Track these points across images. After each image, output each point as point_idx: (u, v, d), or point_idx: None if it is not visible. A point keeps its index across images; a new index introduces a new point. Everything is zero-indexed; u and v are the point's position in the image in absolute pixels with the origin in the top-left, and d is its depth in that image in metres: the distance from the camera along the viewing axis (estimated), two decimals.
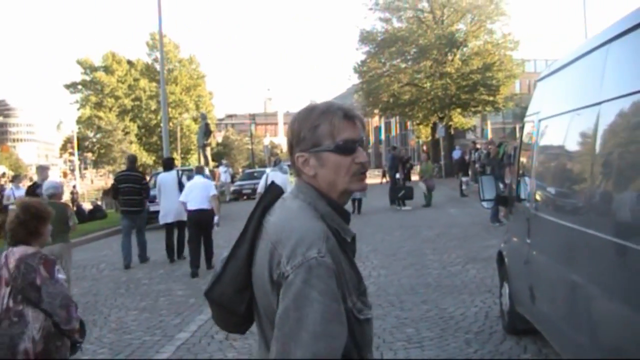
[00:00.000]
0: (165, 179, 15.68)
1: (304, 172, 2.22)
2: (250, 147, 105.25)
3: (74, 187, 53.62)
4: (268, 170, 18.67)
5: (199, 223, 13.62)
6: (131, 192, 14.99)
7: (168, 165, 16.71)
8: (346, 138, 2.17)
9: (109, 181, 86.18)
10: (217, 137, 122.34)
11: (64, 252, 9.20)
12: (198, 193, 13.64)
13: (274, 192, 2.33)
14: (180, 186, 14.95)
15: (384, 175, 60.77)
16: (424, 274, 11.50)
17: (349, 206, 14.97)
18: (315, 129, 2.17)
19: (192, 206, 13.59)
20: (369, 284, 10.68)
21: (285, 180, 14.81)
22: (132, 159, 16.47)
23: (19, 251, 4.66)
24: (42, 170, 16.46)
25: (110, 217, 29.28)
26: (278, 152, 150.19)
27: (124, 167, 69.53)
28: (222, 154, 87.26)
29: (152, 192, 16.79)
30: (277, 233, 2.11)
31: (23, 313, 4.44)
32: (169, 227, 15.32)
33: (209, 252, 13.73)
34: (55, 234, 6.23)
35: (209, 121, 35.67)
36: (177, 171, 16.62)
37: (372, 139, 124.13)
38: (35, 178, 17.79)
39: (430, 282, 10.71)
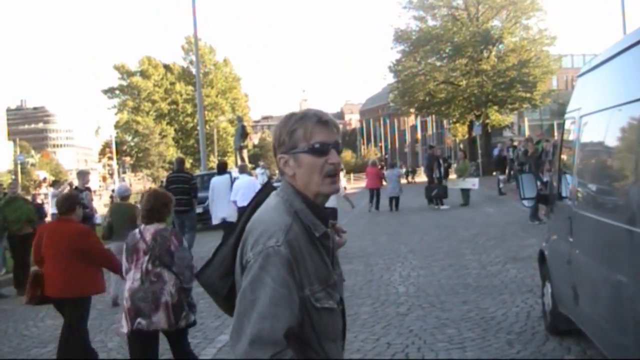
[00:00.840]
0: (219, 182, 16.55)
1: (285, 172, 2.44)
2: None
3: (113, 190, 54.08)
4: None
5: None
6: (180, 192, 15.39)
7: (222, 168, 17.59)
8: (319, 141, 2.38)
9: (147, 184, 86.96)
10: (254, 139, 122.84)
11: None
12: (245, 191, 14.78)
13: (267, 189, 2.58)
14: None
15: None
16: (463, 274, 11.39)
17: (385, 204, 15.13)
18: (293, 133, 2.39)
19: (241, 203, 14.69)
20: (408, 285, 10.63)
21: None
22: (180, 161, 17.27)
23: (152, 227, 5.98)
24: (83, 175, 16.63)
25: None
26: None
27: (161, 170, 70.07)
28: (258, 156, 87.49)
29: (204, 194, 17.00)
30: (251, 225, 2.38)
31: (161, 274, 5.75)
32: (224, 226, 16.10)
33: None
34: (126, 230, 7.40)
35: (245, 123, 35.71)
36: (230, 174, 17.52)
37: (408, 138, 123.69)
38: (76, 183, 17.96)
39: (469, 283, 10.60)
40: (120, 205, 11.76)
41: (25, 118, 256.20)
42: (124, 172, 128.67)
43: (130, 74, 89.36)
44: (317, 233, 2.35)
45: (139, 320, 5.69)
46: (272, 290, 2.15)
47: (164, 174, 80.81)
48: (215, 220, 16.40)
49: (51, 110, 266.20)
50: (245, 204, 12.16)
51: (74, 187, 16.55)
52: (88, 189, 15.67)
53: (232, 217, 15.39)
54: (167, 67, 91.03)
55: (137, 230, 6.07)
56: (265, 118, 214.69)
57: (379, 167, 30.75)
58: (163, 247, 5.82)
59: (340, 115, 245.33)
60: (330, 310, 2.35)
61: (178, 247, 5.87)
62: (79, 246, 7.04)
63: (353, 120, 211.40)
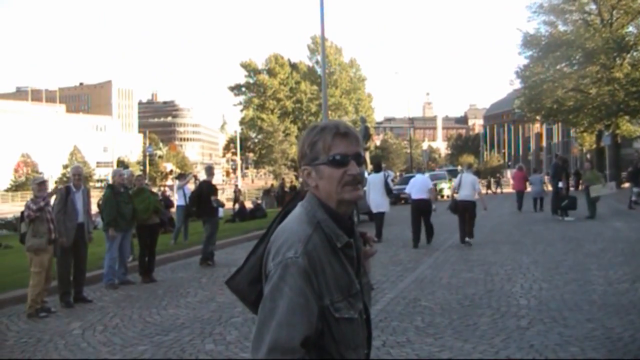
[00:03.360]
0: (375, 178, 19.87)
1: (308, 183, 2.49)
2: (408, 151, 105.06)
3: (236, 185, 55.32)
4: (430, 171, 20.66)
5: (419, 208, 18.12)
6: None
7: (378, 167, 21.32)
8: (338, 152, 2.40)
9: (269, 181, 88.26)
10: (376, 140, 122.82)
11: None
12: (419, 186, 18.22)
13: (297, 199, 2.59)
14: (386, 185, 19.77)
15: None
16: (588, 290, 10.96)
17: (528, 205, 15.28)
18: (314, 145, 2.44)
19: (415, 196, 18.29)
20: (530, 297, 10.34)
21: (475, 180, 18.36)
22: None
23: None
24: (210, 169, 17.44)
25: (271, 216, 29.45)
26: (436, 156, 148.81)
27: (283, 167, 71.21)
28: (380, 157, 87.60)
29: None
30: (275, 235, 2.42)
31: None
32: (378, 215, 19.90)
33: (429, 232, 18.17)
34: None
35: (368, 124, 35.82)
36: (384, 173, 20.72)
37: (532, 145, 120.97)
38: (201, 177, 18.57)
39: (594, 300, 10.19)
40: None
41: (156, 112, 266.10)
42: (247, 168, 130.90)
43: (257, 72, 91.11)
44: (339, 243, 2.39)
45: None
46: (289, 299, 2.21)
47: (286, 172, 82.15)
48: (374, 210, 19.96)
49: (180, 105, 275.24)
50: (417, 197, 18.44)
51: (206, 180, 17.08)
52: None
53: (386, 208, 19.91)
54: (293, 66, 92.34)
55: None
56: (388, 120, 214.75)
57: (524, 171, 33.52)
58: None
59: (464, 119, 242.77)
60: (349, 320, 2.37)
61: None
62: None
63: (477, 125, 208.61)
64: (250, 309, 2.61)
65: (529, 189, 31.43)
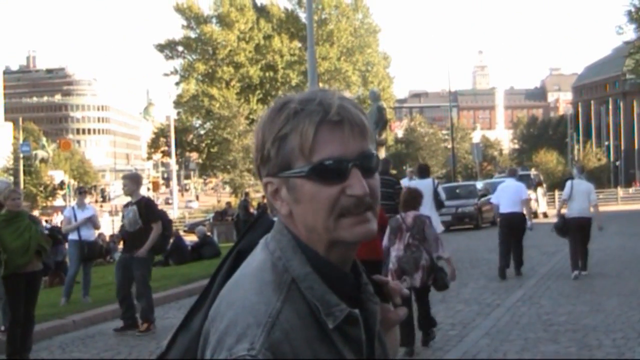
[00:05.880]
0: (421, 187, 19.54)
1: (275, 207, 2.19)
2: (449, 145, 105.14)
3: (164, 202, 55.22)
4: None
5: (510, 225, 21.16)
6: (384, 197, 16.60)
7: (424, 171, 23.09)
8: (329, 156, 2.07)
9: (225, 197, 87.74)
10: (396, 129, 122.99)
11: None
12: (510, 196, 21.24)
13: (260, 228, 2.34)
14: (436, 195, 21.38)
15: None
16: None
17: None
18: (282, 140, 2.11)
19: (503, 209, 21.43)
20: None
21: (590, 188, 20.66)
22: (386, 162, 21.28)
23: (411, 213, 12.91)
24: (132, 181, 16.54)
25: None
26: (495, 153, 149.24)
27: (247, 175, 71.50)
28: (403, 156, 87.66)
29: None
30: (217, 306, 2.12)
31: (419, 246, 12.45)
32: None
33: (518, 258, 21.06)
34: None
35: (383, 104, 35.79)
36: (433, 179, 22.87)
37: None
38: (113, 192, 18.34)
39: None
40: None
41: (35, 87, 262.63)
42: (187, 177, 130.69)
43: (202, 21, 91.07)
44: (332, 321, 2.05)
45: (404, 277, 12.16)
46: None
47: (251, 182, 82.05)
48: None
49: (75, 76, 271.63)
50: (507, 210, 22.23)
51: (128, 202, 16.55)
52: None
53: (439, 227, 20.99)
54: (260, 10, 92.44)
55: (398, 216, 13.07)
56: (417, 95, 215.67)
57: None
58: (420, 226, 12.54)
59: (541, 93, 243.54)
60: None
61: (429, 226, 12.74)
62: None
63: (561, 101, 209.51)
64: None
65: None
